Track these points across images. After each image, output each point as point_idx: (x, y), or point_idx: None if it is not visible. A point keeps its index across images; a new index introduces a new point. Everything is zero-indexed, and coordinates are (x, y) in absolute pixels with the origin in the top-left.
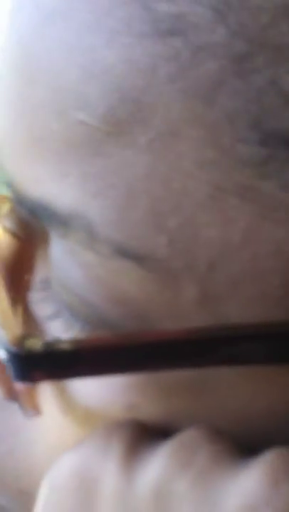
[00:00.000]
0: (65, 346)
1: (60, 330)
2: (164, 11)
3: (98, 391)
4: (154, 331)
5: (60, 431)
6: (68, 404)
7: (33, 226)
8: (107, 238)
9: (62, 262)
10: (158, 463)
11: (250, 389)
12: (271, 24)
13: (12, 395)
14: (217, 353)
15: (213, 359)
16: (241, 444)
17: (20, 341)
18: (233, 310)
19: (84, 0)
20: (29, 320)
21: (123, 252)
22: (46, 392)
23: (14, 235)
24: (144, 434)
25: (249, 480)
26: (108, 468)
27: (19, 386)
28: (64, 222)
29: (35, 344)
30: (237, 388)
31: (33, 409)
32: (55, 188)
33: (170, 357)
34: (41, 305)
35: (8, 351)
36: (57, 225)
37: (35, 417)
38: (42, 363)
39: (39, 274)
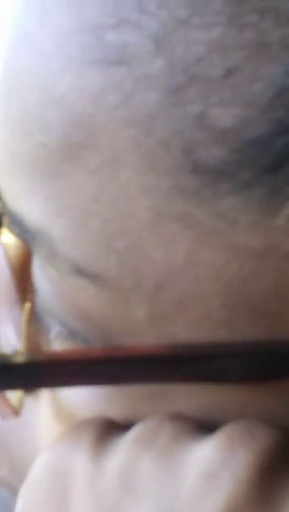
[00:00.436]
0: (18, 359)
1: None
2: (112, 40)
3: (75, 398)
4: (103, 348)
5: (52, 433)
6: (57, 409)
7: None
8: (65, 256)
9: (36, 274)
10: (123, 447)
11: (204, 400)
12: (205, 57)
13: None
14: (173, 371)
15: (168, 377)
16: None
17: None
18: (181, 329)
19: (51, 25)
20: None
21: (79, 270)
22: (44, 394)
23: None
24: (112, 428)
25: (206, 449)
26: (78, 460)
27: None
28: (33, 237)
29: None
30: (192, 399)
31: (7, 412)
32: (26, 204)
33: (120, 373)
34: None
35: None
36: (28, 240)
37: (11, 419)
38: None
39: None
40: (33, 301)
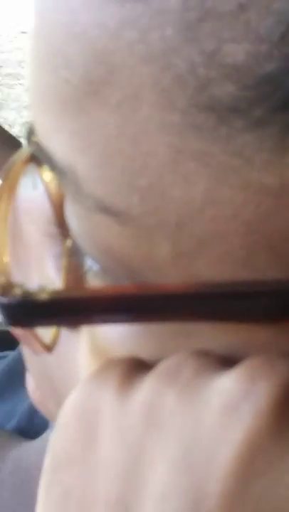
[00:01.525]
0: (42, 296)
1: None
2: None
3: (108, 336)
4: (128, 285)
5: (89, 369)
6: (93, 345)
7: None
8: (90, 193)
9: (68, 211)
10: (147, 383)
11: (229, 339)
12: None
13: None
14: (200, 309)
15: (195, 314)
16: None
17: (5, 289)
18: (203, 268)
19: None
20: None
21: (103, 208)
22: (83, 331)
23: None
24: (139, 366)
25: (227, 381)
26: (105, 398)
27: (14, 330)
28: (61, 174)
29: (17, 293)
30: (217, 337)
31: (36, 348)
32: (54, 141)
33: (148, 310)
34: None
35: None
36: (58, 177)
37: (43, 355)
38: (20, 311)
39: None
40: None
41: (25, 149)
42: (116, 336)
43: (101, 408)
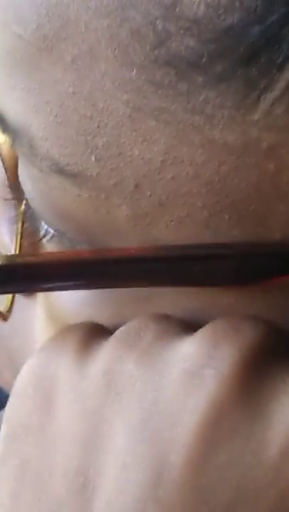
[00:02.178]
0: None
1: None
2: None
3: (66, 304)
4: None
5: (46, 336)
6: (50, 313)
7: None
8: (45, 155)
9: (21, 174)
10: (106, 349)
11: (190, 304)
12: None
13: None
14: (159, 273)
15: (154, 279)
16: None
17: None
18: (163, 231)
19: None
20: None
21: (59, 170)
22: (39, 298)
23: None
24: (98, 332)
25: (190, 345)
26: (62, 365)
27: None
28: (14, 135)
29: None
30: (178, 302)
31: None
32: (7, 100)
33: (105, 275)
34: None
35: None
36: (10, 138)
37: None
38: None
39: None
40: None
41: None
42: (73, 303)
43: (58, 375)
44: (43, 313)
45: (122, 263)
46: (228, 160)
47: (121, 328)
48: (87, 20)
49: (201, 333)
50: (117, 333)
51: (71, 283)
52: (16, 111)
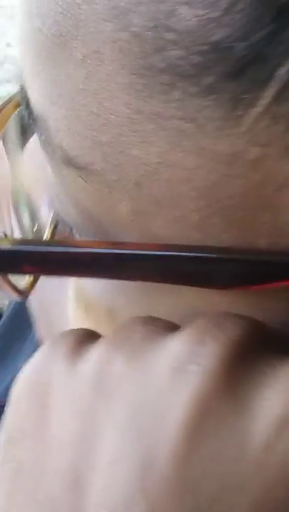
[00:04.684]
0: (4, 245)
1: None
2: None
3: (90, 288)
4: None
5: (74, 312)
6: (78, 294)
7: None
8: (58, 145)
9: (39, 160)
10: (96, 351)
11: (179, 302)
12: None
13: None
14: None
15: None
16: None
17: None
18: (161, 229)
19: None
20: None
21: (69, 161)
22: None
23: None
24: (90, 337)
25: (175, 343)
26: (56, 369)
27: None
28: (35, 122)
29: None
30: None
31: (9, 294)
32: (32, 86)
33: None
34: None
35: None
36: (33, 123)
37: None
38: None
39: None
40: None
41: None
42: (95, 288)
43: (52, 380)
44: (72, 294)
45: (116, 257)
46: (218, 168)
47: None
48: (95, 21)
49: (185, 331)
50: (105, 336)
51: (70, 271)
52: (36, 99)
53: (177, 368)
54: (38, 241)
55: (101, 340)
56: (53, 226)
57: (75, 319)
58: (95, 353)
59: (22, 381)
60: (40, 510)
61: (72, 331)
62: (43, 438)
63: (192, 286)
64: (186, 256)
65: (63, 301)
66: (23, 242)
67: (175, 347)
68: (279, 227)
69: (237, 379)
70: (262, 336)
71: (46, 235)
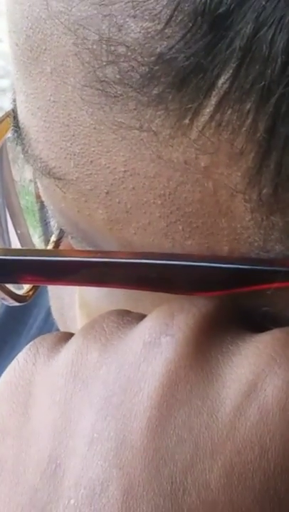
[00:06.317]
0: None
1: None
2: None
3: (89, 295)
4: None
5: (78, 319)
6: (81, 300)
7: None
8: (38, 156)
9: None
10: (72, 344)
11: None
12: None
13: None
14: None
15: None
16: None
17: None
18: (133, 236)
19: None
20: None
21: (48, 171)
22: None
23: None
24: (69, 336)
25: (147, 320)
26: (36, 368)
27: None
28: (19, 133)
29: None
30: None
31: (10, 301)
32: (18, 99)
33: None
34: None
35: None
36: (18, 134)
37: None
38: None
39: None
40: None
41: None
42: (92, 295)
43: (33, 379)
44: (77, 299)
45: (92, 265)
46: (174, 176)
47: (85, 324)
48: (58, 36)
49: (158, 308)
50: (81, 329)
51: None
52: (20, 111)
53: (151, 341)
54: (27, 250)
55: (76, 334)
56: (58, 235)
57: (80, 324)
58: (72, 346)
59: (3, 384)
60: (21, 500)
61: (52, 333)
62: (24, 434)
63: (158, 292)
64: (150, 263)
65: (75, 306)
66: (13, 251)
67: (148, 322)
68: (237, 233)
69: (208, 348)
70: (233, 311)
71: (50, 244)
